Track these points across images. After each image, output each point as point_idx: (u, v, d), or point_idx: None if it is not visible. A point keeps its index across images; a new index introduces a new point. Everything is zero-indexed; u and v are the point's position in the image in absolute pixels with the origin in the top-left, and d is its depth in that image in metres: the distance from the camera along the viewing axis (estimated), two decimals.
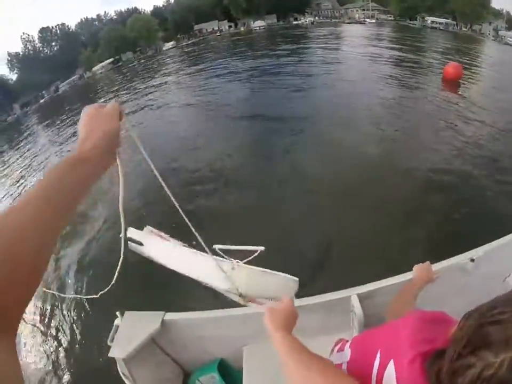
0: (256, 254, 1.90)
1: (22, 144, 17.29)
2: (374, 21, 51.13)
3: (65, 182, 0.48)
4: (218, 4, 63.88)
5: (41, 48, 63.37)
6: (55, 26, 64.12)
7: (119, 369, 1.45)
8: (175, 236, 2.55)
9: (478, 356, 0.45)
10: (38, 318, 3.86)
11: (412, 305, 1.08)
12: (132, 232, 2.36)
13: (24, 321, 3.74)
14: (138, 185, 5.24)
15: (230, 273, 1.82)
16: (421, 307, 0.94)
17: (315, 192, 4.66)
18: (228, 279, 1.77)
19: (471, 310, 0.51)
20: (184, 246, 2.36)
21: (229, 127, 8.07)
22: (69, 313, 3.73)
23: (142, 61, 45.41)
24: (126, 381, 1.44)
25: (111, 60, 56.10)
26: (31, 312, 3.88)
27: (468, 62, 15.17)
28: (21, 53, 61.97)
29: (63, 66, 58.39)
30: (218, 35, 58.50)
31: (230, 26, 64.96)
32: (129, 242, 2.26)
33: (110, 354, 1.40)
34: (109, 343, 1.46)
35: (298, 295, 1.70)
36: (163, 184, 1.00)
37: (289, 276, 1.87)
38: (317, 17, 62.39)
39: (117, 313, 1.59)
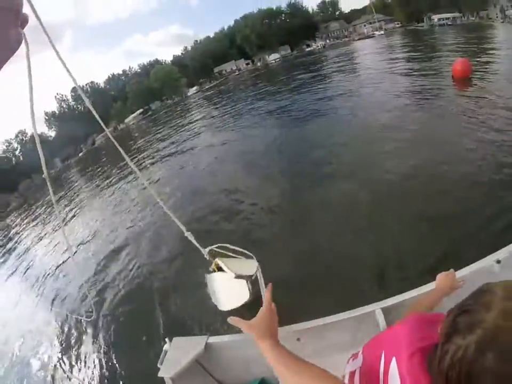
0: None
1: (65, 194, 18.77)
2: (382, 32, 50.79)
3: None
4: (233, 45, 67.59)
5: (74, 106, 68.89)
6: (86, 85, 70.08)
7: None
8: None
9: (452, 342, 0.54)
10: None
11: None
12: None
13: None
14: None
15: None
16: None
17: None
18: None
19: (453, 307, 0.60)
20: None
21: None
22: None
23: (169, 108, 47.89)
24: None
25: (141, 110, 60.05)
26: None
27: (479, 51, 14.10)
28: (57, 111, 67.96)
29: (97, 120, 62.83)
30: (237, 74, 60.89)
31: (247, 64, 68.15)
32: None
33: (159, 375, 1.54)
34: (158, 366, 1.59)
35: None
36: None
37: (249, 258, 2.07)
38: (327, 40, 63.81)
39: (166, 339, 1.74)
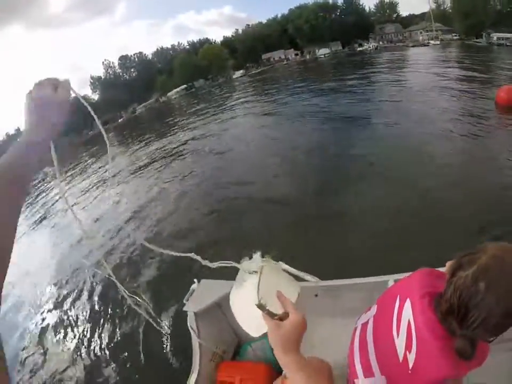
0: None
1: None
2: (438, 42, 48.14)
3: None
4: (284, 34, 66.62)
5: (120, 74, 70.84)
6: (134, 55, 71.81)
7: (188, 322, 1.68)
8: None
9: (456, 275, 0.73)
10: None
11: None
12: None
13: None
14: None
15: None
16: None
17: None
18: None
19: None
20: None
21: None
22: None
23: (213, 88, 48.32)
24: (192, 332, 1.66)
25: (185, 86, 60.83)
26: None
27: None
28: (103, 77, 69.79)
29: (140, 90, 64.49)
30: (285, 63, 60.70)
31: (296, 54, 66.96)
32: None
33: (184, 309, 1.70)
34: (184, 301, 1.74)
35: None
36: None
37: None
38: (380, 42, 61.94)
39: (195, 280, 1.86)
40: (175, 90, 60.06)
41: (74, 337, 4.08)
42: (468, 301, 0.69)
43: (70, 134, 53.35)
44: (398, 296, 0.94)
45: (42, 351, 4.03)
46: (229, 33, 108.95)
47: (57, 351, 3.94)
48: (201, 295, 1.77)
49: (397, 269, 1.61)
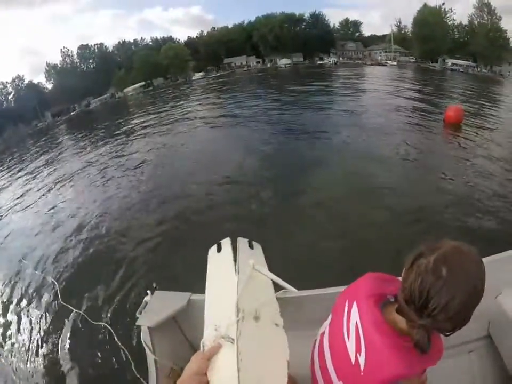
0: None
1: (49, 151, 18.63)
2: (395, 63, 51.67)
3: None
4: (248, 40, 67.04)
5: (78, 64, 66.25)
6: (94, 45, 67.63)
7: (142, 337, 1.59)
8: None
9: (415, 263, 0.74)
10: None
11: None
12: None
13: None
14: None
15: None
16: None
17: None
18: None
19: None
20: None
21: None
22: None
23: (171, 88, 47.62)
24: (146, 349, 1.56)
25: (143, 83, 58.86)
26: None
27: (481, 103, 15.51)
28: (59, 65, 64.76)
29: (97, 83, 61.17)
30: (245, 70, 61.33)
31: (258, 62, 67.71)
32: None
33: (137, 323, 1.59)
34: (137, 315, 1.63)
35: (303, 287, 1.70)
36: None
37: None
38: (341, 58, 64.56)
39: (148, 291, 1.76)
40: (132, 86, 58.00)
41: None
42: (429, 286, 0.69)
43: (18, 124, 49.50)
44: (347, 300, 0.96)
45: None
46: (193, 33, 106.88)
47: None
48: (155, 307, 1.67)
49: None
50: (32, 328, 3.89)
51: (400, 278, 0.81)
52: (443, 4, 52.77)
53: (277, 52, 63.86)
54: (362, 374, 0.81)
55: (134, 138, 14.57)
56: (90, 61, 67.24)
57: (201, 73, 61.92)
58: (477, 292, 0.70)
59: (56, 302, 4.15)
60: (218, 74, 58.56)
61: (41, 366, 3.32)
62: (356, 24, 72.12)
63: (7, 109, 56.01)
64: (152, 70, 60.60)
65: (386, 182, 6.19)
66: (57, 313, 3.98)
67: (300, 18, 67.90)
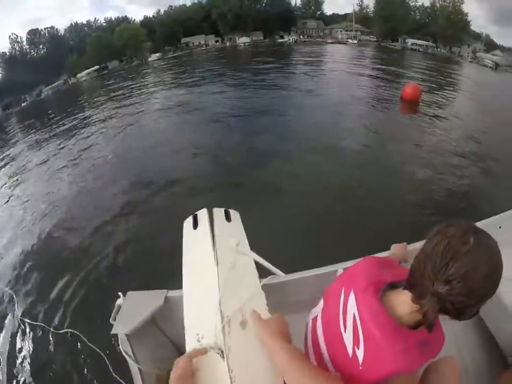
0: None
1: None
2: (356, 41, 52.48)
3: None
4: (207, 19, 65.13)
5: (28, 50, 61.88)
6: (45, 29, 63.24)
7: (120, 346, 1.44)
8: None
9: (444, 230, 0.73)
10: None
11: None
12: None
13: None
14: None
15: None
16: None
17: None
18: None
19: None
20: None
21: None
22: None
23: (127, 70, 45.76)
24: (127, 358, 1.42)
25: (97, 67, 55.78)
26: None
27: (439, 81, 16.42)
28: (8, 53, 60.35)
29: (49, 70, 57.57)
30: (203, 49, 59.72)
31: (216, 41, 66.07)
32: None
33: (113, 332, 1.42)
34: (111, 322, 1.47)
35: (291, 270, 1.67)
36: None
37: None
38: (301, 36, 64.43)
39: (119, 293, 1.58)
40: (86, 71, 54.91)
41: None
42: (454, 250, 0.67)
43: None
44: (343, 289, 0.92)
45: None
46: (150, 13, 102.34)
47: None
48: (130, 311, 1.51)
49: None
50: None
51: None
52: None
53: (236, 30, 62.61)
54: (360, 367, 0.80)
55: (86, 125, 14.06)
56: (41, 46, 62.74)
57: (158, 54, 59.44)
58: (498, 272, 0.67)
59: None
60: (176, 54, 56.71)
61: None
62: (318, 3, 71.79)
63: None
64: (106, 52, 57.56)
65: (349, 146, 7.53)
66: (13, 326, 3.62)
67: None
